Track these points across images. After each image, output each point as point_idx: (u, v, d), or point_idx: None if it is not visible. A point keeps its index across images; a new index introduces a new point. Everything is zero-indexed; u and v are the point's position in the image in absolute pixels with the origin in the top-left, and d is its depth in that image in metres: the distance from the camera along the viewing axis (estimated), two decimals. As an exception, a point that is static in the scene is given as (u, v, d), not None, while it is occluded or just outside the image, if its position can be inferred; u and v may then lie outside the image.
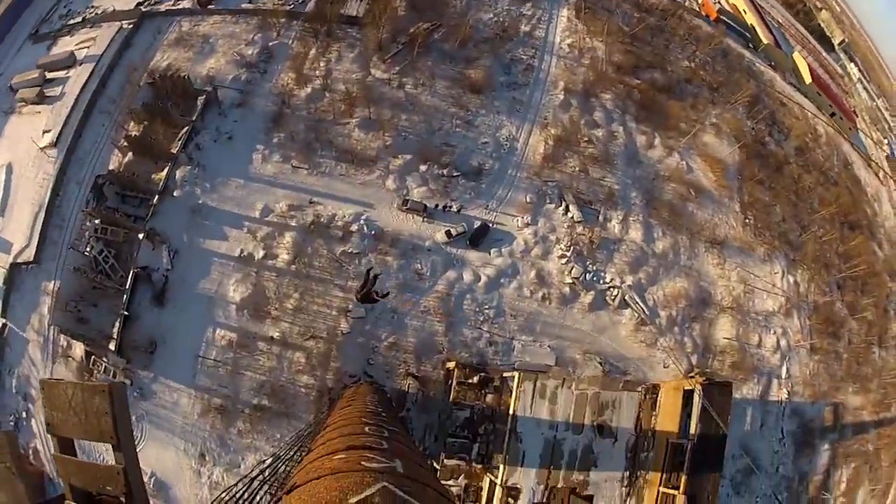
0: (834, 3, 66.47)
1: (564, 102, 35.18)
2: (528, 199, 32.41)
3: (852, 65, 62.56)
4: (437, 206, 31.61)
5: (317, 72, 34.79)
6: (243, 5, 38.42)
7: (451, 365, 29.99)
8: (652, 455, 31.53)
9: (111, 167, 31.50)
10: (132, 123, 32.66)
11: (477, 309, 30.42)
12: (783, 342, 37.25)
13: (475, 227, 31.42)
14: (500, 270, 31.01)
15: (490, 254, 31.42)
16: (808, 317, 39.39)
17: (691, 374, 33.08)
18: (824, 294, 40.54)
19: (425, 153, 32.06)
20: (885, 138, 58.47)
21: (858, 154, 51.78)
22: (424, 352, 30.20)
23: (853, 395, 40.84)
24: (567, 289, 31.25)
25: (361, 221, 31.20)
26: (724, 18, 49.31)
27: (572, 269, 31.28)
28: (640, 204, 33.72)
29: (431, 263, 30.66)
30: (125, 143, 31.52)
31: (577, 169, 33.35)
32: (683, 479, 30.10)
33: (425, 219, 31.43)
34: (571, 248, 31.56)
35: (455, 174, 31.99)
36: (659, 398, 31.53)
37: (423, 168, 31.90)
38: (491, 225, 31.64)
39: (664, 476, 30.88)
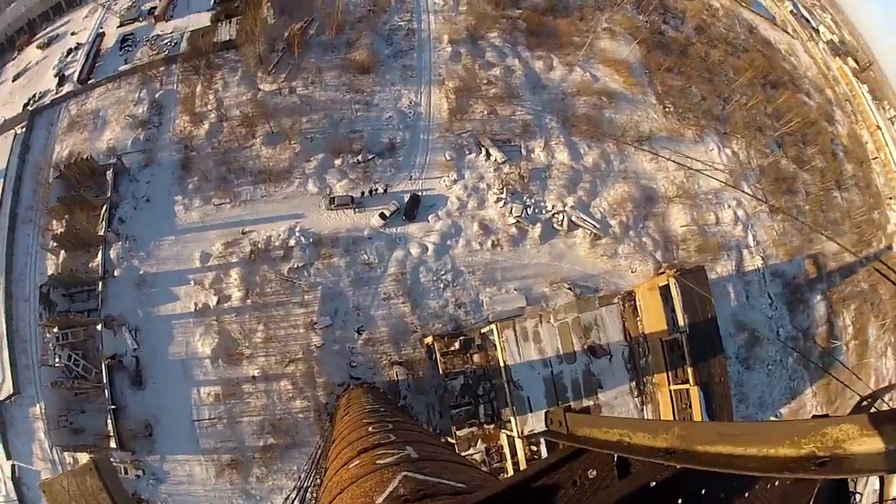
0: None
1: (454, 53, 35.04)
2: (447, 157, 32.27)
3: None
4: (363, 193, 31.35)
5: (208, 106, 34.28)
6: (120, 68, 37.90)
7: (428, 340, 29.83)
8: (651, 359, 31.77)
9: (50, 272, 31.06)
10: (54, 222, 32.18)
11: (434, 278, 30.31)
12: (740, 213, 37.64)
13: (406, 200, 31.25)
14: (443, 234, 30.92)
15: (429, 221, 31.30)
16: (756, 182, 39.89)
17: (661, 271, 33.27)
18: (766, 156, 41.06)
19: (335, 147, 31.77)
20: (784, -5, 59.16)
21: (762, 17, 52.48)
22: (399, 336, 30.04)
23: (829, 242, 41.34)
24: (513, 229, 31.25)
25: (297, 234, 30.85)
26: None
27: (512, 208, 31.26)
28: (557, 126, 33.76)
29: (376, 250, 30.45)
30: (54, 244, 31.07)
31: (485, 113, 33.28)
32: (690, 371, 30.39)
33: (356, 209, 31.16)
34: (504, 189, 31.53)
35: (370, 157, 31.72)
36: (638, 302, 31.65)
37: (337, 162, 31.61)
38: (421, 193, 31.50)
39: (670, 374, 31.10)
